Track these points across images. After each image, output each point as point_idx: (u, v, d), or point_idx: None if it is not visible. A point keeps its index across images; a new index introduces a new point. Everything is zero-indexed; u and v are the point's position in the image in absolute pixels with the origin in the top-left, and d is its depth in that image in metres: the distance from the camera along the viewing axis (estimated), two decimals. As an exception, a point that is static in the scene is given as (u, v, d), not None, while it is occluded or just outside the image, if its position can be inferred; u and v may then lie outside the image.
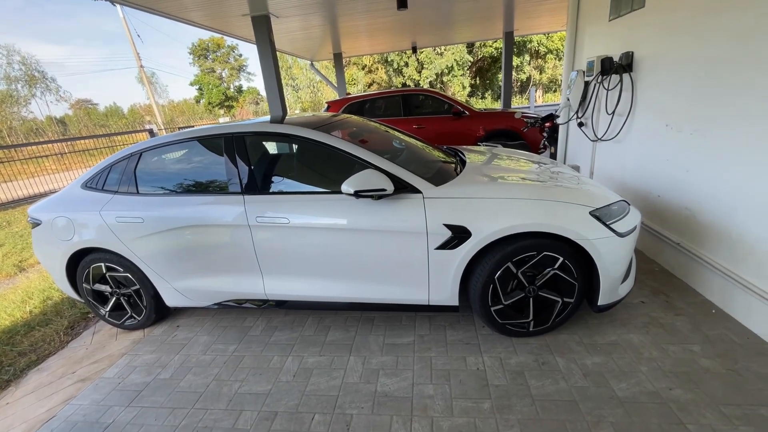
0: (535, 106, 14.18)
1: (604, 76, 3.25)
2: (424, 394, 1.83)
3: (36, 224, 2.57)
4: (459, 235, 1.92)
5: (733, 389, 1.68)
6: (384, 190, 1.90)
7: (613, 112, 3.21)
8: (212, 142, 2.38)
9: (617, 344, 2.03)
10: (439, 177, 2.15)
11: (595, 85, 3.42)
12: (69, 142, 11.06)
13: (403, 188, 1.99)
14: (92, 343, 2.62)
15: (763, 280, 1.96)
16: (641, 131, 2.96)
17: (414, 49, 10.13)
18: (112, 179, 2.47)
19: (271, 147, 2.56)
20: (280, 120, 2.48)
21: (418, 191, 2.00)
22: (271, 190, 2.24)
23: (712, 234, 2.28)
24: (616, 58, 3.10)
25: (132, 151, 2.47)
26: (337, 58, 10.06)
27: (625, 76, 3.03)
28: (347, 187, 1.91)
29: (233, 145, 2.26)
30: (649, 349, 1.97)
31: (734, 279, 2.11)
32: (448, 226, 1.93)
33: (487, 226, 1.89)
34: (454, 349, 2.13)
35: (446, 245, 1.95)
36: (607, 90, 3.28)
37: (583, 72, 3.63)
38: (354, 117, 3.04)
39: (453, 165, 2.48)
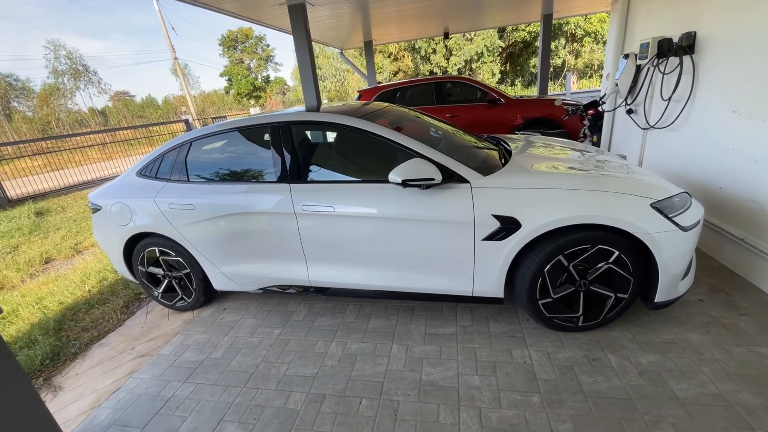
0: (571, 93, 13.55)
1: (661, 59, 3.04)
2: (470, 385, 1.82)
3: (96, 209, 2.73)
4: (508, 226, 1.88)
5: (809, 396, 1.57)
6: (432, 179, 1.88)
7: (670, 98, 3.00)
8: (258, 132, 2.43)
9: (674, 343, 1.94)
10: (486, 166, 2.09)
11: (649, 68, 3.20)
12: (111, 133, 11.68)
13: (450, 178, 1.96)
14: (147, 322, 2.79)
15: None
16: (702, 118, 2.76)
17: (446, 35, 9.85)
18: (164, 168, 2.58)
19: (315, 136, 2.58)
20: (315, 109, 2.49)
21: (465, 181, 1.96)
22: (316, 179, 2.26)
23: (784, 229, 2.11)
24: (675, 39, 2.89)
25: (182, 140, 2.56)
26: (368, 46, 9.94)
27: (686, 58, 2.82)
28: (395, 176, 1.90)
29: (279, 134, 2.30)
30: (711, 350, 1.87)
31: (809, 278, 1.95)
32: (496, 217, 1.88)
33: (539, 218, 1.83)
34: (498, 342, 2.10)
35: (494, 236, 1.91)
36: (663, 74, 3.06)
37: (635, 55, 3.41)
38: (392, 105, 3.01)
39: (498, 154, 2.42)
